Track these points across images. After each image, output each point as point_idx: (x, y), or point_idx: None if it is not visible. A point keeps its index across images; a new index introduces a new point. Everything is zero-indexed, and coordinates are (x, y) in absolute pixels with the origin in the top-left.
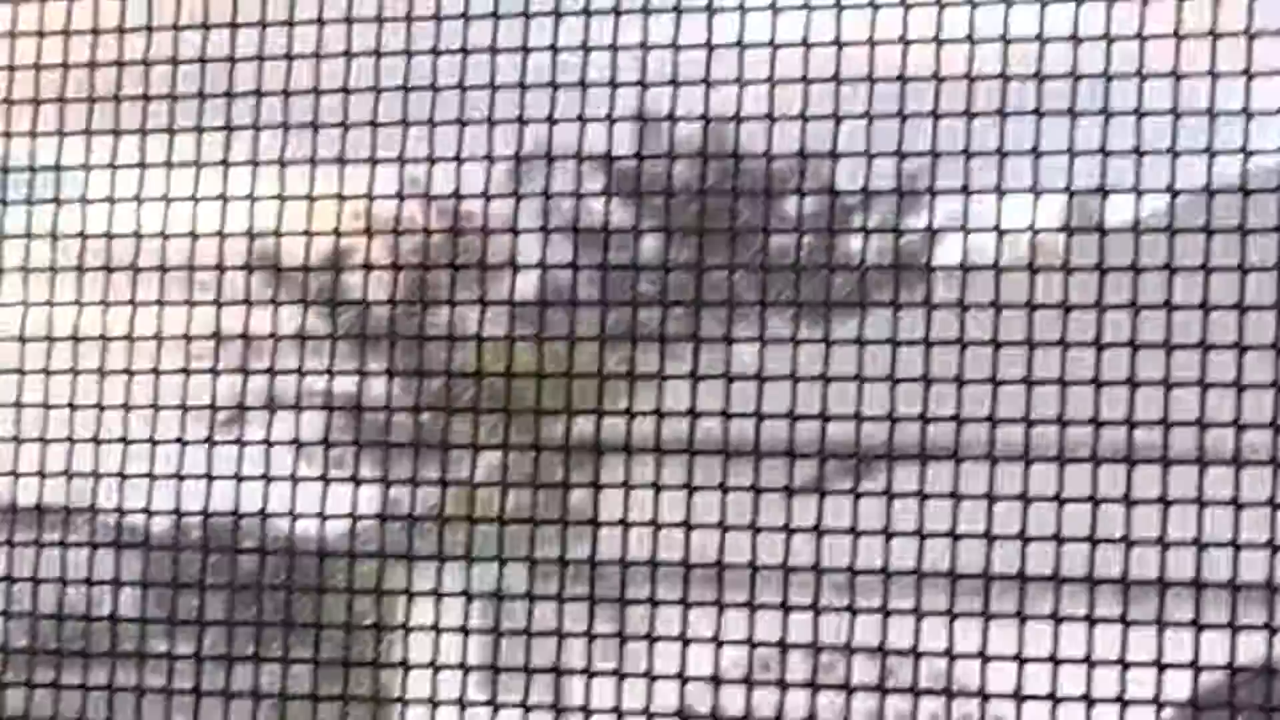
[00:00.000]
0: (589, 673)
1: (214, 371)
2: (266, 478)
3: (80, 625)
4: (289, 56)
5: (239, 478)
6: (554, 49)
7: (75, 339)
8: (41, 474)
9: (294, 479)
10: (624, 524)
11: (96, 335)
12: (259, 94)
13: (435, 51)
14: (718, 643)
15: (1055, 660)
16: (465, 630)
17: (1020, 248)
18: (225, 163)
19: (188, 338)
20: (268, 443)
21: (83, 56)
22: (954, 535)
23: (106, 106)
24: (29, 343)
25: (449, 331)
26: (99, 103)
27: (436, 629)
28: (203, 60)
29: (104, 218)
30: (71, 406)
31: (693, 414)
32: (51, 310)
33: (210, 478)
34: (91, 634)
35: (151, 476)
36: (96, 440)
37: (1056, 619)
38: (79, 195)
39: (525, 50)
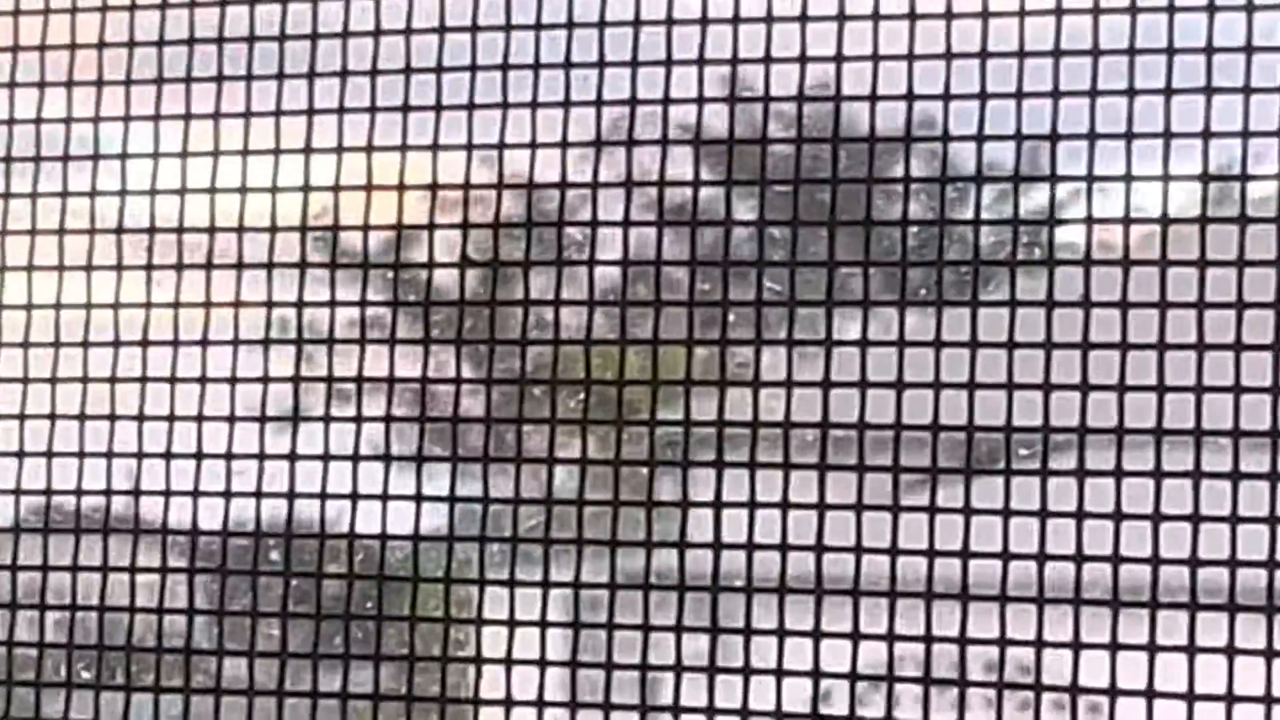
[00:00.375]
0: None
1: (297, 379)
2: (354, 495)
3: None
4: (377, 33)
5: (324, 496)
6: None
7: (144, 344)
8: (108, 491)
9: (385, 497)
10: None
11: (168, 339)
12: (344, 74)
13: (538, 25)
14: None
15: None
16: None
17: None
18: (308, 149)
19: (266, 342)
20: (355, 457)
21: (151, 33)
22: (1080, 558)
23: (177, 88)
24: (93, 347)
25: (539, 330)
26: (168, 84)
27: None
28: (282, 37)
29: (175, 208)
30: (141, 417)
31: (824, 424)
32: (117, 311)
33: (293, 496)
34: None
35: (228, 494)
36: (168, 455)
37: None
38: (148, 182)
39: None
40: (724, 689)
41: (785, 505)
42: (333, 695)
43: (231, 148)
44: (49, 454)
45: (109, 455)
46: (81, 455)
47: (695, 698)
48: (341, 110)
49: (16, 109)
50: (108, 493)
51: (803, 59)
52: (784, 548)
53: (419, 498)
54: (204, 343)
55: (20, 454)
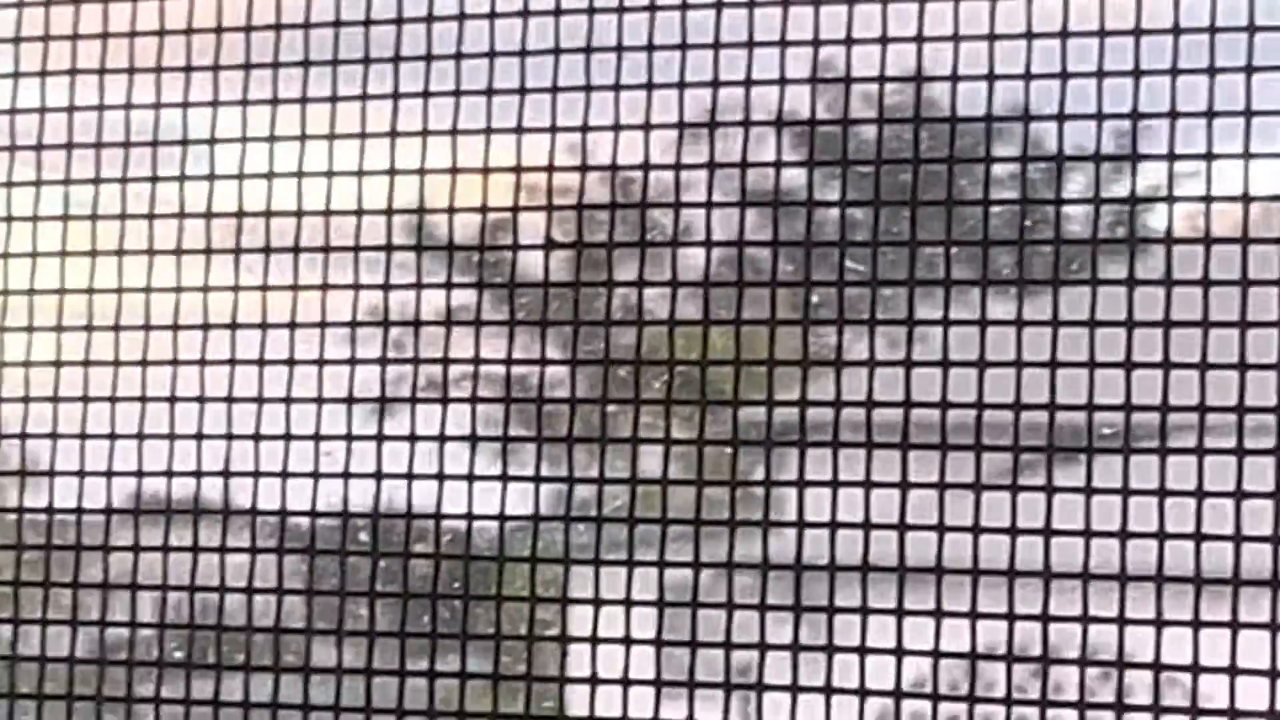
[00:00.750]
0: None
1: (382, 361)
2: (440, 476)
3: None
4: (461, 16)
5: (411, 475)
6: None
7: (233, 326)
8: (198, 473)
9: (471, 477)
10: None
11: (256, 323)
12: (429, 58)
13: (620, 9)
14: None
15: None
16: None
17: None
18: (393, 133)
19: (353, 324)
20: (442, 437)
21: (238, 19)
22: (1161, 535)
23: (264, 73)
24: (183, 330)
25: (624, 313)
26: (255, 69)
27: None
28: (368, 22)
29: (263, 193)
30: (230, 400)
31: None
32: (206, 295)
33: (380, 477)
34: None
35: (316, 475)
36: (257, 436)
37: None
38: (236, 169)
39: (720, 6)
40: (807, 667)
41: (868, 485)
42: (420, 674)
43: (318, 132)
44: (139, 436)
45: (198, 437)
46: (171, 437)
47: (779, 676)
48: (426, 94)
49: (106, 96)
50: (198, 474)
51: (884, 40)
52: (866, 526)
53: (504, 478)
54: (291, 325)
55: (111, 436)
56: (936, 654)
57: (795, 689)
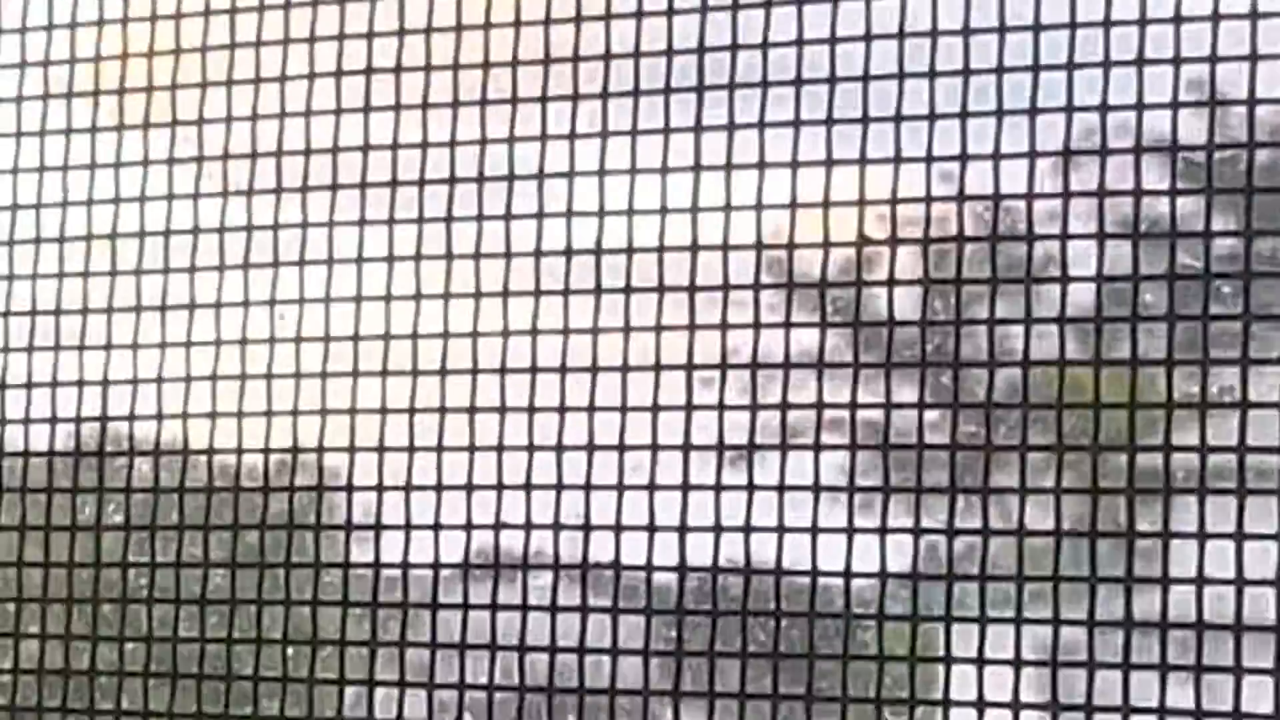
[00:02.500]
0: None
1: (720, 407)
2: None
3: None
4: (800, 42)
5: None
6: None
7: (562, 370)
8: (529, 525)
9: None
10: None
11: (587, 365)
12: (765, 84)
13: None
14: None
15: None
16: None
17: None
18: (728, 165)
19: (689, 367)
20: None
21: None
22: None
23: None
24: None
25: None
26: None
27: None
28: (701, 49)
29: (592, 227)
30: (560, 448)
31: None
32: (535, 338)
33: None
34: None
35: (652, 528)
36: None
37: None
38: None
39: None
40: None
41: None
42: None
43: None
44: (468, 488)
45: (526, 488)
46: (499, 488)
47: None
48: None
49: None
50: (526, 527)
51: None
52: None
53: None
54: (623, 369)
55: (438, 488)
56: None
57: None
